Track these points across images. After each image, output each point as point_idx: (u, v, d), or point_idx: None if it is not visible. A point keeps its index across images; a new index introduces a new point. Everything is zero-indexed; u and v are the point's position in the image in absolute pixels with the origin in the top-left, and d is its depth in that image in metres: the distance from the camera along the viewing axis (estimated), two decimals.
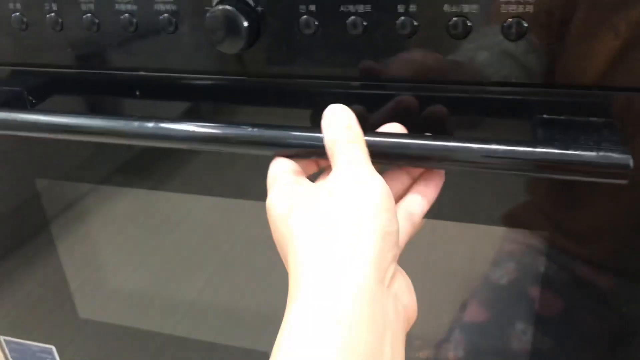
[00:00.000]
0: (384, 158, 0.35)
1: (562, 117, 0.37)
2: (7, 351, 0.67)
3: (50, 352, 0.65)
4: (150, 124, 0.40)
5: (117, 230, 0.58)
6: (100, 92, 0.49)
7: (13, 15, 0.45)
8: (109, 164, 0.53)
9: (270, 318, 0.52)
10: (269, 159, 0.37)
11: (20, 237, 0.61)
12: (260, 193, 0.36)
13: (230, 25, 0.38)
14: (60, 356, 0.65)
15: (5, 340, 0.66)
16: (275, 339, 0.29)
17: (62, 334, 0.64)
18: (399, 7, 0.36)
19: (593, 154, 0.32)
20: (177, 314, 0.60)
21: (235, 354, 0.60)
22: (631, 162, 0.32)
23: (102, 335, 0.62)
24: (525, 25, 0.34)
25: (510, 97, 0.38)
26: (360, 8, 0.37)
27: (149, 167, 0.52)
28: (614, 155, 0.32)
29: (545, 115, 0.37)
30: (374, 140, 0.35)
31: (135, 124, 0.40)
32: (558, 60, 0.35)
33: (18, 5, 0.45)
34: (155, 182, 0.52)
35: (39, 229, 0.59)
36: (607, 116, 0.36)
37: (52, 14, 0.44)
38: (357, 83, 0.41)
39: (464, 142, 0.34)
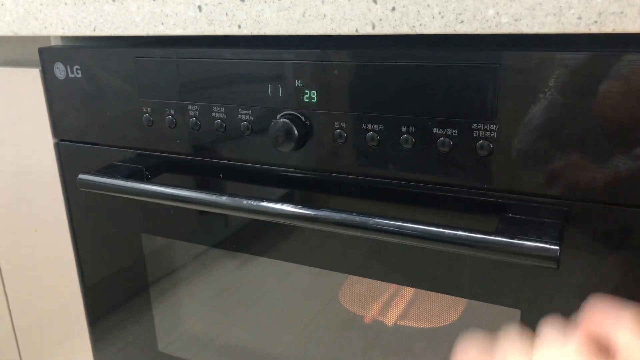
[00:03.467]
0: None
1: (522, 217, 0.48)
2: None
3: None
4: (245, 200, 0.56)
5: (208, 289, 0.73)
6: (197, 172, 0.66)
7: (144, 115, 0.64)
8: (212, 231, 0.69)
9: None
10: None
11: (124, 294, 0.78)
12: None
13: (286, 133, 0.54)
14: None
15: None
16: None
17: None
18: (402, 127, 0.50)
19: (530, 243, 0.43)
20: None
21: None
22: (559, 253, 0.42)
23: None
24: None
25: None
26: (376, 127, 0.51)
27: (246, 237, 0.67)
28: (546, 246, 0.43)
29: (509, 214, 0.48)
30: None
31: (224, 198, 0.57)
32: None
33: (149, 109, 0.64)
34: (256, 250, 0.65)
35: (142, 288, 0.76)
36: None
37: (169, 117, 0.62)
38: (368, 178, 0.55)
39: (437, 227, 0.46)
